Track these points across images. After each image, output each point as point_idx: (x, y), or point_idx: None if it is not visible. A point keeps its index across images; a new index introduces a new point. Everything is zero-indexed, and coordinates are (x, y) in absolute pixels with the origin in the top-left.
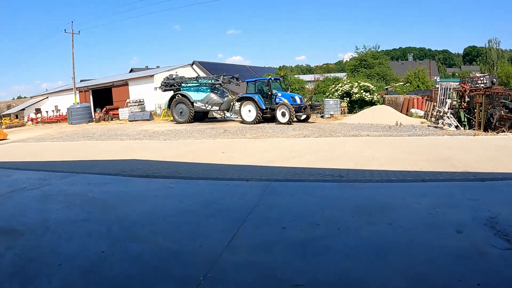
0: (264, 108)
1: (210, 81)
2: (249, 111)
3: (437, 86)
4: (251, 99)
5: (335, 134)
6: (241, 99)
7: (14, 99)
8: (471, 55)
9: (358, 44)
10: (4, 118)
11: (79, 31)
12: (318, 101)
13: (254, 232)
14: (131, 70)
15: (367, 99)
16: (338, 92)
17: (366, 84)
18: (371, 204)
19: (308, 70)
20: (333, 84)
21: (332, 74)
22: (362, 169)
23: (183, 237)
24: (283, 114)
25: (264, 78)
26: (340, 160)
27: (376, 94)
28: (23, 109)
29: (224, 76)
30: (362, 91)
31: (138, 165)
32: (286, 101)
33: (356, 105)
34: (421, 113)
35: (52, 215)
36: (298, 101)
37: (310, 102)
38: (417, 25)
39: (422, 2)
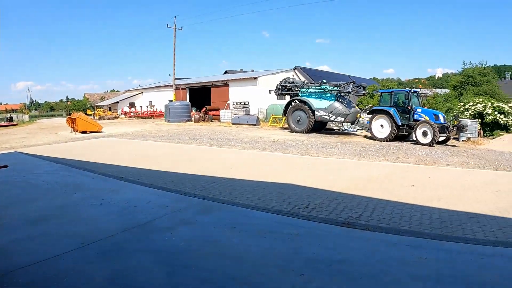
0: (400, 124)
1: (336, 88)
2: (382, 126)
3: None
4: (385, 112)
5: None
6: (373, 112)
7: (107, 92)
8: None
9: (448, 59)
10: (97, 109)
11: (181, 27)
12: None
13: None
14: (226, 72)
15: (501, 122)
16: (470, 112)
17: (500, 105)
18: None
19: (400, 84)
20: (443, 100)
21: (443, 90)
22: None
23: None
24: (425, 134)
25: (403, 90)
26: None
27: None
28: (117, 102)
29: (353, 83)
30: (495, 112)
31: (308, 197)
32: (427, 118)
33: (487, 128)
34: None
35: None
36: (442, 119)
37: (456, 122)
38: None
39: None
